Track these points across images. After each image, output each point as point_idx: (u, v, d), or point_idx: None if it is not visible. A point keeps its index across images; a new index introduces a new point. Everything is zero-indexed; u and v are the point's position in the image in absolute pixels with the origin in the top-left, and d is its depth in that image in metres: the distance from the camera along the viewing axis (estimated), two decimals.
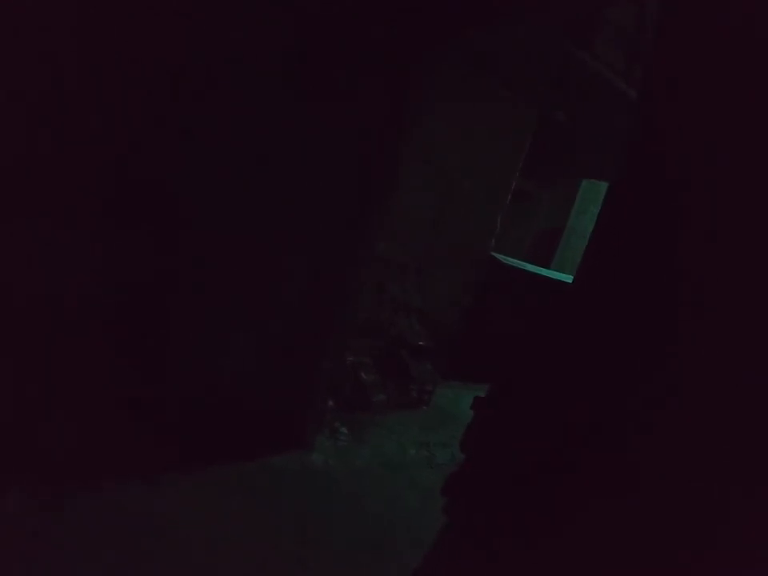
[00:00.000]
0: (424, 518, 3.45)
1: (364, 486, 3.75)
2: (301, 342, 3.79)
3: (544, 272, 6.77)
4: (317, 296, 3.73)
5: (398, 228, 4.55)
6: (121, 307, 3.11)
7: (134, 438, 3.14)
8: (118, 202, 2.89)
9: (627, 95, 5.36)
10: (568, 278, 6.12)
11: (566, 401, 1.74)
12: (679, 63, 1.72)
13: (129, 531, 2.67)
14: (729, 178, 1.51)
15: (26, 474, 2.74)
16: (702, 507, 1.41)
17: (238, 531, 2.91)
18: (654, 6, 5.19)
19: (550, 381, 1.84)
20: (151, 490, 2.97)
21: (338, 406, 4.46)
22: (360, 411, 4.75)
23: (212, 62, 2.91)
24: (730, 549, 1.37)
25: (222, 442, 3.53)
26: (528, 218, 8.01)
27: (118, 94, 2.69)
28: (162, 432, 3.27)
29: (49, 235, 2.75)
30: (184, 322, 3.37)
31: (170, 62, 2.76)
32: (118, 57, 2.62)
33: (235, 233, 3.34)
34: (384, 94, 3.50)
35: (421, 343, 5.35)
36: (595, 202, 8.26)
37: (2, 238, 2.61)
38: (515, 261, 6.63)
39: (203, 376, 3.52)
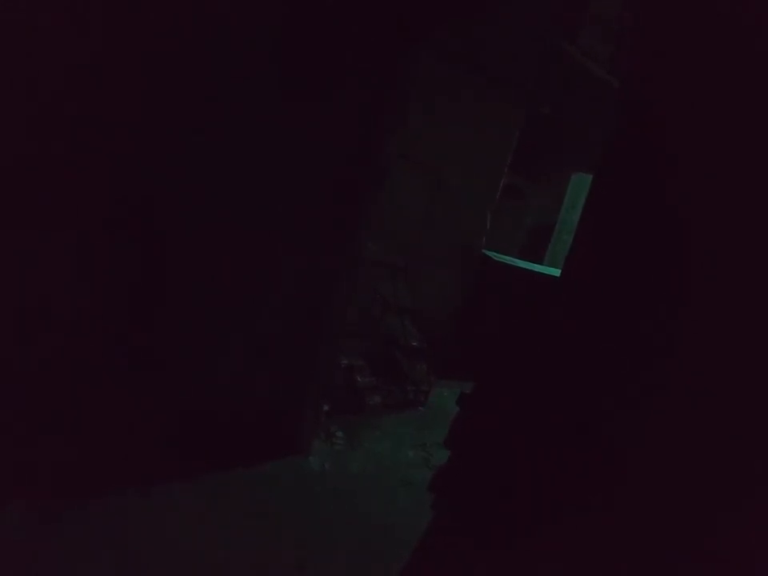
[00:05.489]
0: (421, 519, 3.42)
1: (361, 489, 3.73)
2: (293, 346, 3.76)
3: (536, 268, 6.75)
4: (307, 299, 3.71)
5: (387, 228, 4.52)
6: (115, 319, 3.09)
7: (131, 449, 3.12)
8: (108, 208, 2.86)
9: (612, 86, 5.36)
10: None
11: (553, 397, 1.72)
12: (659, 55, 1.72)
13: (128, 541, 2.65)
14: (712, 166, 1.50)
15: (28, 486, 2.72)
16: (691, 507, 1.40)
17: (237, 537, 2.90)
18: None
19: (537, 377, 1.82)
20: (149, 500, 2.95)
21: (333, 410, 4.44)
22: (355, 414, 4.73)
23: (203, 63, 2.89)
24: (718, 549, 1.35)
25: (218, 449, 3.50)
26: (519, 214, 8.00)
27: (111, 99, 2.67)
28: (158, 442, 3.25)
29: (42, 244, 2.72)
30: (176, 331, 3.34)
31: (165, 65, 2.75)
32: (112, 59, 2.59)
33: (224, 238, 3.31)
34: (369, 93, 3.48)
35: (414, 344, 5.33)
36: (585, 196, 8.22)
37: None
38: (507, 258, 6.61)
39: (197, 384, 3.49)
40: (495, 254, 6.43)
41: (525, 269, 6.41)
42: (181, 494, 3.08)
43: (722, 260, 1.44)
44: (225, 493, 3.22)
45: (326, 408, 4.30)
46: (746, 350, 1.37)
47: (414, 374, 5.30)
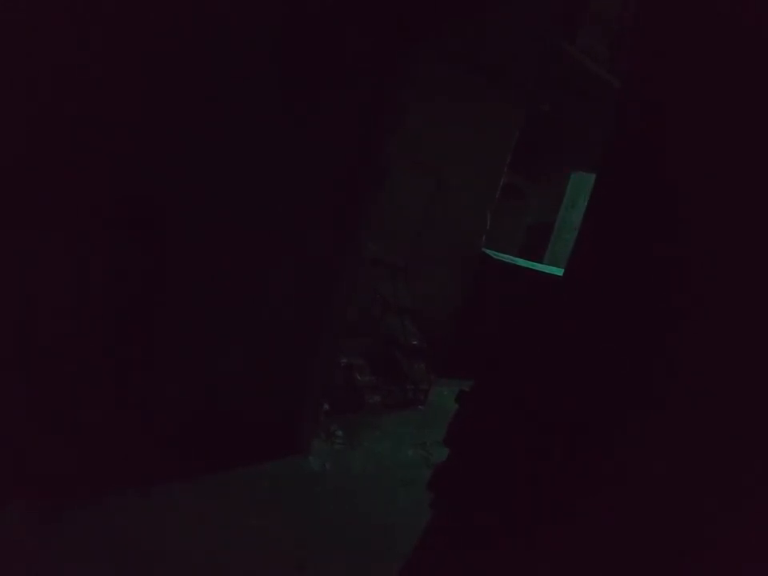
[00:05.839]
0: (421, 518, 3.42)
1: (361, 488, 3.73)
2: (293, 346, 3.76)
3: (536, 266, 6.76)
4: (307, 299, 3.70)
5: (387, 228, 4.52)
6: (115, 319, 3.09)
7: (131, 449, 3.11)
8: (108, 208, 2.86)
9: (612, 85, 5.36)
10: (560, 272, 6.09)
11: (553, 396, 1.72)
12: (660, 52, 1.71)
13: (128, 541, 2.65)
14: (716, 165, 1.49)
15: (28, 486, 2.71)
16: (691, 507, 1.40)
17: (237, 537, 2.89)
18: None
19: (537, 376, 1.82)
20: (149, 500, 2.95)
21: (333, 409, 4.43)
22: (355, 413, 4.73)
23: (203, 63, 2.89)
24: (718, 549, 1.35)
25: (218, 449, 3.49)
26: (519, 213, 8.00)
27: (111, 99, 2.66)
28: (158, 442, 3.24)
29: (42, 244, 2.72)
30: (176, 331, 3.34)
31: (166, 66, 2.75)
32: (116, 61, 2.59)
33: (224, 237, 3.31)
34: (369, 93, 3.47)
35: (414, 343, 5.32)
36: (585, 195, 8.25)
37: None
38: (507, 256, 6.61)
39: (197, 385, 3.49)
40: (495, 252, 6.43)
41: (525, 267, 6.41)
42: (181, 494, 3.07)
43: (722, 260, 1.44)
44: (225, 493, 3.22)
45: (325, 407, 4.29)
46: (746, 350, 1.37)
47: (414, 373, 5.29)
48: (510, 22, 3.82)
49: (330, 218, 3.56)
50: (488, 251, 6.27)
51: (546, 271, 6.46)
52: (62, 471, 2.81)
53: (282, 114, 3.19)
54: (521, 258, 7.06)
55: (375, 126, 3.49)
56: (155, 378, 3.32)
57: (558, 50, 4.78)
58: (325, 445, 4.11)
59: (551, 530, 1.63)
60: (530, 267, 6.52)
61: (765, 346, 1.34)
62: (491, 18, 3.73)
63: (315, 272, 3.65)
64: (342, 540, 3.14)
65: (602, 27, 5.17)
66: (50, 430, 2.91)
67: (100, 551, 2.55)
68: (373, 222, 3.80)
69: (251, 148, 3.17)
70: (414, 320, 5.34)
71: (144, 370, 3.27)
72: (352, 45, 3.27)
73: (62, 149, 2.59)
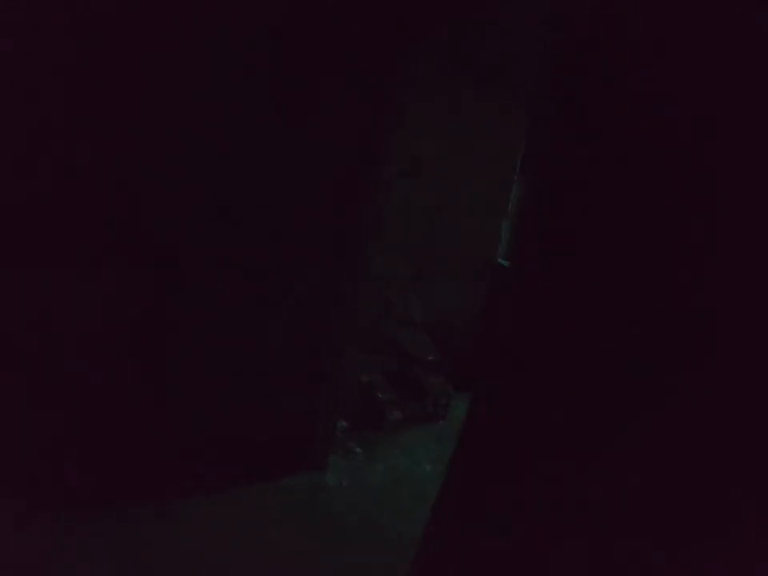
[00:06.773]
0: None
1: (379, 505, 3.64)
2: (307, 362, 3.71)
3: None
4: (319, 315, 3.66)
5: (393, 239, 4.49)
6: (128, 334, 3.09)
7: (146, 465, 3.10)
8: (108, 207, 2.88)
9: None
10: None
11: (554, 397, 1.70)
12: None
13: (142, 557, 2.61)
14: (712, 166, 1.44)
15: (46, 498, 2.71)
16: (691, 507, 1.38)
17: (252, 554, 2.83)
18: None
19: (537, 375, 1.80)
20: (162, 515, 2.91)
21: (352, 425, 4.38)
22: (375, 429, 4.65)
23: (203, 63, 2.94)
24: (718, 549, 1.33)
25: (234, 465, 3.46)
26: None
27: (111, 99, 2.70)
28: (172, 458, 3.23)
29: (42, 246, 2.74)
30: (191, 347, 3.31)
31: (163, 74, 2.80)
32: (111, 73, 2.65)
33: (223, 237, 3.29)
34: (370, 93, 3.48)
35: (431, 357, 5.24)
36: None
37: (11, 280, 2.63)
38: None
39: (212, 401, 3.45)
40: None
41: None
42: (195, 509, 3.02)
43: (723, 260, 1.40)
44: (240, 509, 3.16)
45: (344, 424, 4.24)
46: (746, 350, 1.34)
47: (433, 387, 5.20)
48: (510, 21, 3.85)
49: (330, 218, 3.53)
50: (505, 263, 6.19)
51: None
52: (80, 486, 2.80)
53: (281, 114, 3.21)
54: None
55: (375, 126, 3.48)
56: (169, 393, 3.29)
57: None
58: (343, 461, 4.04)
59: (551, 530, 1.62)
60: None
61: (765, 345, 1.31)
62: (491, 18, 3.77)
63: (326, 288, 3.62)
64: (356, 553, 3.06)
65: None
66: (62, 445, 2.89)
67: (115, 566, 2.51)
68: (376, 229, 3.77)
69: (251, 148, 3.19)
70: (430, 334, 5.27)
71: (158, 386, 3.24)
72: (352, 45, 3.30)
73: (62, 149, 2.61)
